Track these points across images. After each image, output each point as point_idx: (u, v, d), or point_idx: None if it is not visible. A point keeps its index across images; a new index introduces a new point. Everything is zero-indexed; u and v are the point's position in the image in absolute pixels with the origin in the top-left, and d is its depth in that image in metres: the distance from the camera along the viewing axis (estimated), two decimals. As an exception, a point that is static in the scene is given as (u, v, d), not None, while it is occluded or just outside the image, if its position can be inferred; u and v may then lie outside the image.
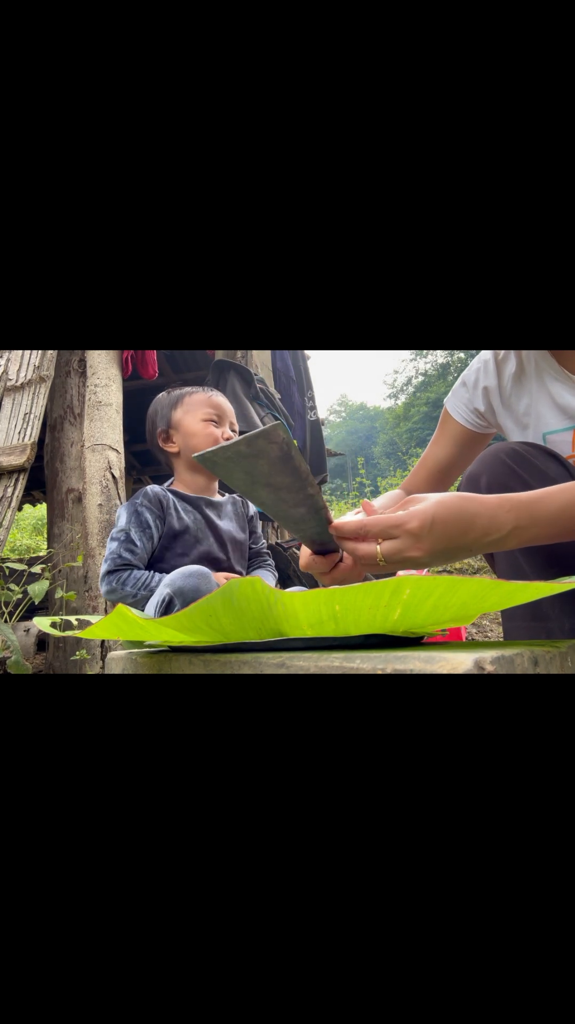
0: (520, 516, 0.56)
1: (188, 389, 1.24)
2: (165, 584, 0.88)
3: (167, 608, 0.87)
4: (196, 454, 0.47)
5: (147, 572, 1.04)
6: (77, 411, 2.37)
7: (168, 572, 0.95)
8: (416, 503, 0.55)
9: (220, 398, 1.23)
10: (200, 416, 1.19)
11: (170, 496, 1.14)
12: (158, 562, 1.10)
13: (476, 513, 0.54)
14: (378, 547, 0.53)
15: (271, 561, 1.29)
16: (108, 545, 1.07)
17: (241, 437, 0.46)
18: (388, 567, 0.54)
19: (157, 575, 1.03)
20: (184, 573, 0.88)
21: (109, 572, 1.04)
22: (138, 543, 1.06)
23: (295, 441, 2.38)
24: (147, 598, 1.00)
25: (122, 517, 1.09)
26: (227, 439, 1.19)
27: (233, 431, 1.23)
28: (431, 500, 0.54)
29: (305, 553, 0.62)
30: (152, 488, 1.13)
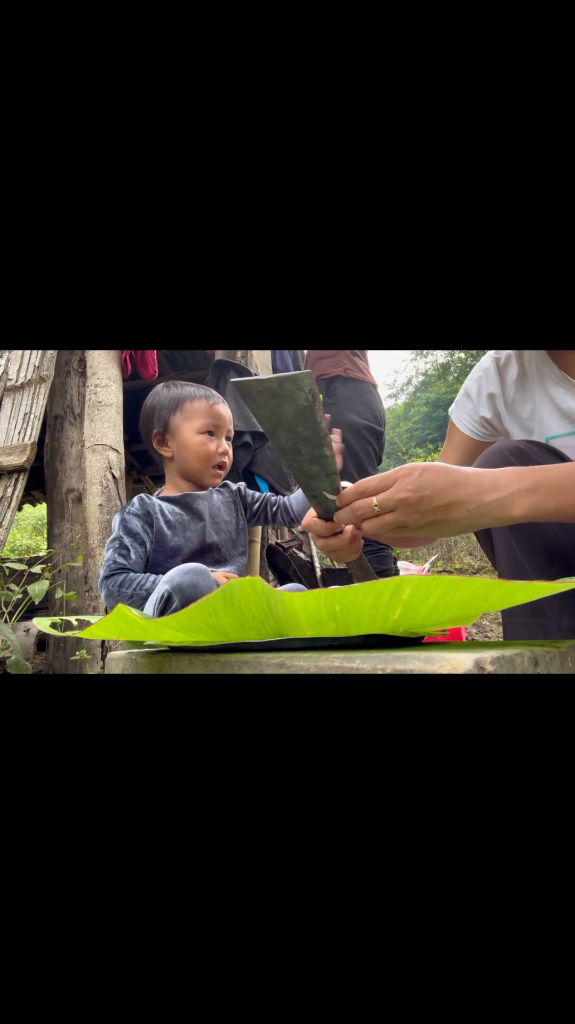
0: (522, 478, 0.56)
1: (190, 391, 1.21)
2: (164, 581, 0.89)
3: (166, 604, 0.87)
4: (235, 380, 0.49)
5: (143, 575, 1.06)
6: (77, 411, 2.37)
7: (164, 571, 0.96)
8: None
9: (221, 407, 1.21)
10: (198, 426, 1.17)
11: (155, 501, 1.16)
12: (153, 565, 1.12)
13: (470, 472, 0.56)
14: (374, 497, 0.56)
15: (275, 497, 1.29)
16: (104, 554, 1.11)
17: (274, 376, 0.48)
18: (385, 516, 0.56)
19: (152, 576, 1.05)
20: (182, 570, 0.88)
21: (106, 577, 1.08)
22: (130, 548, 1.09)
23: (321, 396, 2.39)
24: (144, 598, 1.02)
25: (114, 527, 1.13)
26: (222, 452, 1.19)
27: (228, 439, 1.22)
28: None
29: (310, 513, 0.65)
30: (139, 496, 1.16)
